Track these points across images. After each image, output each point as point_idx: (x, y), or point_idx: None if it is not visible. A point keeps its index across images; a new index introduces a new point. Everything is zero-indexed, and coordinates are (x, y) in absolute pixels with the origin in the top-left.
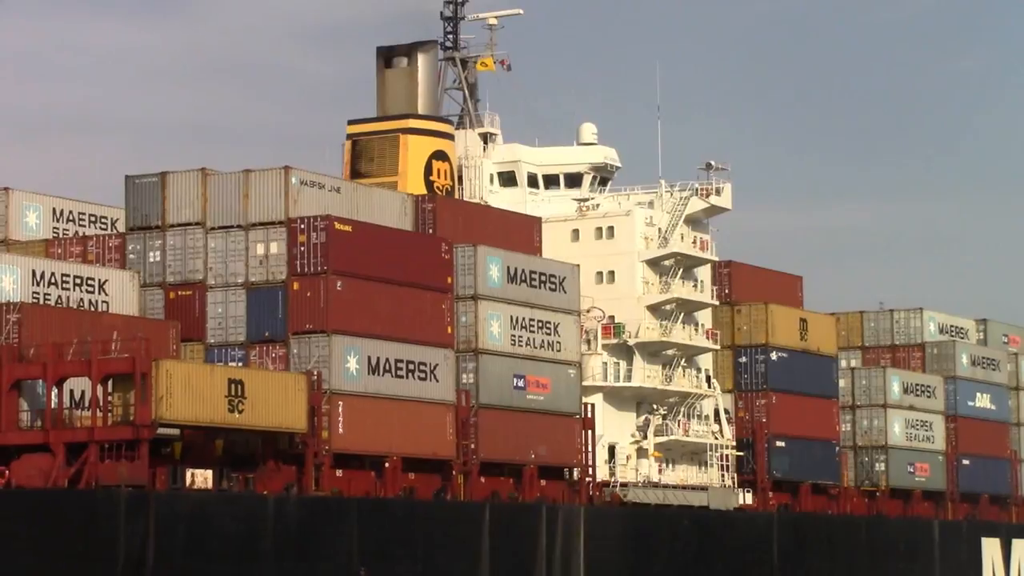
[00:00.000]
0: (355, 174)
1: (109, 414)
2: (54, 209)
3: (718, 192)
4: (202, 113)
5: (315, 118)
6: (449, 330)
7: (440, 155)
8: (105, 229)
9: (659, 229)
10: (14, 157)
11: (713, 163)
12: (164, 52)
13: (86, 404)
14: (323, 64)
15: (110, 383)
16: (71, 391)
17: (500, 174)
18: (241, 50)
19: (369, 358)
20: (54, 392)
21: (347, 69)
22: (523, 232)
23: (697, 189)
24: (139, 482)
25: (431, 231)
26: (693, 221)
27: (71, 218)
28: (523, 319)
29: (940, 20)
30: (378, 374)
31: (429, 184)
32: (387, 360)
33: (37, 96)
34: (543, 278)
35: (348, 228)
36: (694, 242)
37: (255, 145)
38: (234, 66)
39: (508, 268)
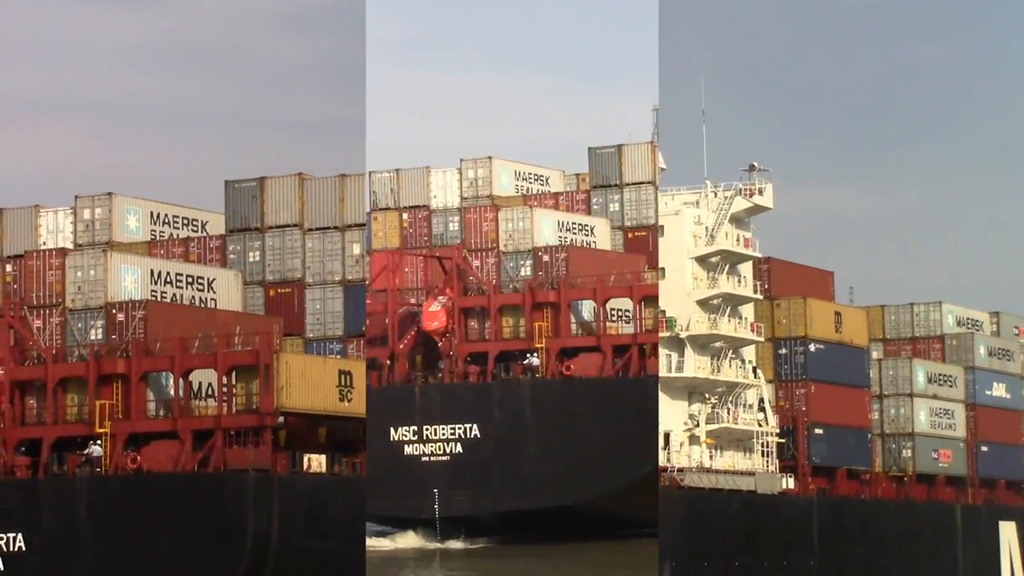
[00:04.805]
0: None
1: (233, 403)
2: (152, 212)
3: (760, 192)
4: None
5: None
6: None
7: None
8: (196, 231)
9: (706, 228)
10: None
11: (756, 164)
12: (141, 36)
13: (203, 394)
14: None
15: (234, 374)
16: (190, 382)
17: None
18: (218, 35)
19: None
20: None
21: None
22: None
23: (740, 189)
24: (263, 466)
25: None
26: (735, 219)
27: (167, 221)
28: None
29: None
30: None
31: None
32: None
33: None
34: None
35: None
36: (738, 240)
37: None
38: (211, 51)
39: None
